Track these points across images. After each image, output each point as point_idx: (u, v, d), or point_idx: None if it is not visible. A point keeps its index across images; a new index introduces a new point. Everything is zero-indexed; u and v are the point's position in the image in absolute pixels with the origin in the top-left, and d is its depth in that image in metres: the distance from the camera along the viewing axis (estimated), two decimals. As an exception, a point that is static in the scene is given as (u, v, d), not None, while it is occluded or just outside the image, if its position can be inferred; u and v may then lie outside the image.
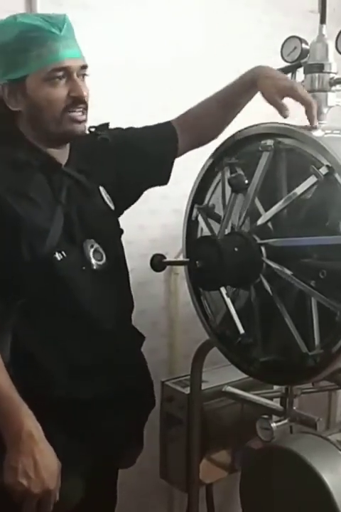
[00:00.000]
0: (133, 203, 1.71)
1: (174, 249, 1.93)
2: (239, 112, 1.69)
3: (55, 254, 1.41)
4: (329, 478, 1.49)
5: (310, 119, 1.51)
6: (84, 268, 1.47)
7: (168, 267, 1.70)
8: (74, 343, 1.45)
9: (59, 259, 1.42)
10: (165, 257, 1.57)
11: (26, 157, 1.43)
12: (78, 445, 1.45)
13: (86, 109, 1.46)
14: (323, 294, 1.44)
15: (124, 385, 1.52)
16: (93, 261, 1.48)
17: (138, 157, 1.64)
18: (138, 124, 1.70)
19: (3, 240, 1.37)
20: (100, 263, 1.49)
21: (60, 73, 1.40)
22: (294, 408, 1.70)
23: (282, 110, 1.52)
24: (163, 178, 1.73)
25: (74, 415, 1.45)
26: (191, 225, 1.75)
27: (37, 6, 1.99)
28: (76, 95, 1.42)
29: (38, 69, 1.39)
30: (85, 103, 1.45)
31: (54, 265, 1.41)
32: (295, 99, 1.53)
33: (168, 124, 1.71)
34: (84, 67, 1.45)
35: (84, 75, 1.46)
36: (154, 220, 1.75)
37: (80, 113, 1.44)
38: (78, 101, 1.42)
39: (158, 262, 1.55)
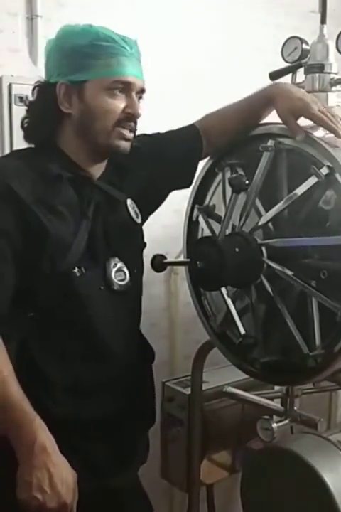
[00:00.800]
0: (156, 209, 1.70)
1: (174, 250, 1.93)
2: (260, 121, 1.65)
3: (74, 269, 1.40)
4: (330, 478, 1.49)
5: (333, 132, 1.49)
6: (102, 288, 1.45)
7: (168, 268, 1.70)
8: (80, 360, 1.44)
9: (78, 274, 1.40)
10: (165, 258, 1.57)
11: (58, 170, 1.42)
12: (75, 462, 1.38)
13: (135, 130, 1.47)
14: (324, 295, 1.44)
15: (125, 406, 1.50)
16: (115, 280, 1.47)
17: (165, 161, 1.63)
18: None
19: (25, 250, 1.36)
20: (122, 283, 1.48)
21: (121, 86, 1.42)
22: (295, 408, 1.70)
23: (294, 132, 1.49)
24: (187, 180, 1.71)
25: (73, 432, 1.42)
26: (192, 225, 1.75)
27: (37, 7, 1.99)
28: (131, 111, 1.43)
29: (102, 77, 1.40)
30: (136, 123, 1.46)
31: (71, 280, 1.40)
32: (308, 118, 1.51)
33: (192, 126, 1.70)
34: (143, 90, 1.48)
35: (140, 97, 1.48)
36: (154, 221, 1.75)
37: (129, 131, 1.45)
38: (131, 118, 1.44)
39: (158, 263, 1.55)
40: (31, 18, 2.00)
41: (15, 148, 1.65)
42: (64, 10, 2.01)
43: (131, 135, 1.46)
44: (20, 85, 1.93)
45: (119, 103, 1.42)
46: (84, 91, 1.42)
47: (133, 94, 1.44)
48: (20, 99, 1.92)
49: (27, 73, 1.94)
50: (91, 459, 1.47)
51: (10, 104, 1.95)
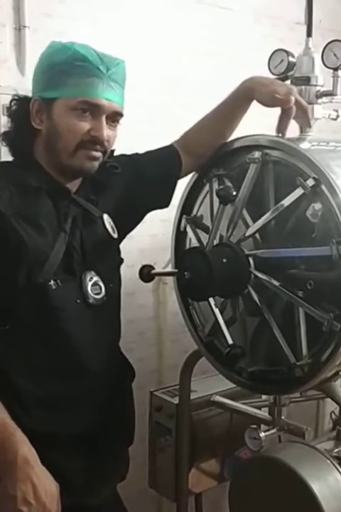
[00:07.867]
0: (134, 227, 1.70)
1: (163, 259, 1.94)
2: (236, 125, 1.67)
3: (50, 281, 1.39)
4: (317, 487, 1.50)
5: (307, 121, 1.57)
6: (78, 301, 1.44)
7: (157, 277, 1.71)
8: (54, 375, 1.42)
9: (54, 287, 1.39)
10: (153, 268, 1.58)
11: (37, 182, 1.42)
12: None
13: (104, 152, 1.45)
14: (310, 305, 1.46)
15: (102, 423, 1.49)
16: (91, 294, 1.45)
17: (143, 182, 1.63)
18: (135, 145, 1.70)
19: (2, 263, 1.35)
20: (98, 297, 1.47)
21: (88, 107, 1.39)
22: (282, 417, 1.71)
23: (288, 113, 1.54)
24: (164, 200, 1.71)
25: (47, 447, 1.39)
26: (180, 235, 1.76)
27: (25, 17, 2.00)
28: (96, 135, 1.40)
29: (71, 96, 1.39)
30: (104, 146, 1.43)
31: (47, 293, 1.39)
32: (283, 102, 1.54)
33: (170, 146, 1.70)
34: (119, 114, 1.45)
35: (115, 121, 1.45)
36: (142, 230, 1.76)
37: (95, 152, 1.42)
38: (96, 141, 1.41)
39: (146, 273, 1.56)
40: (19, 28, 2.00)
41: (3, 159, 1.64)
42: (51, 21, 2.02)
43: (97, 155, 1.43)
44: (8, 95, 1.92)
45: (85, 125, 1.40)
46: (53, 109, 1.41)
47: (103, 117, 1.41)
48: (8, 109, 1.92)
49: (15, 83, 1.94)
50: (65, 475, 1.44)
51: (-3, 114, 1.95)
